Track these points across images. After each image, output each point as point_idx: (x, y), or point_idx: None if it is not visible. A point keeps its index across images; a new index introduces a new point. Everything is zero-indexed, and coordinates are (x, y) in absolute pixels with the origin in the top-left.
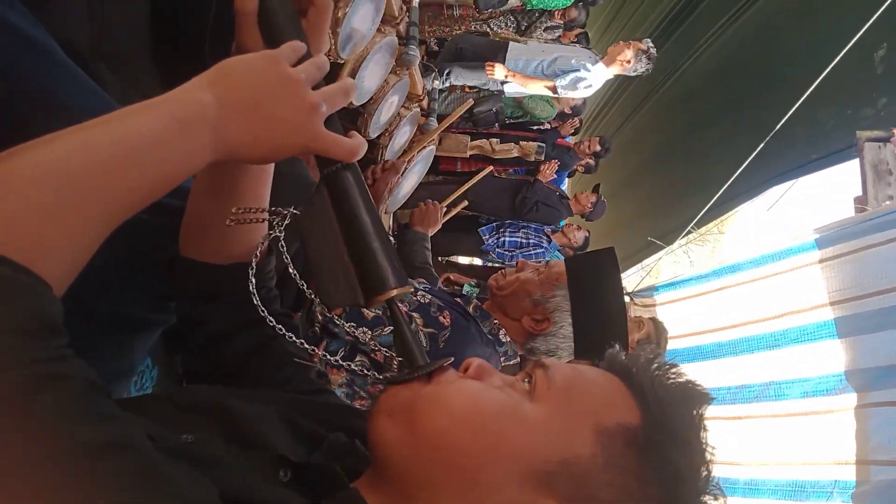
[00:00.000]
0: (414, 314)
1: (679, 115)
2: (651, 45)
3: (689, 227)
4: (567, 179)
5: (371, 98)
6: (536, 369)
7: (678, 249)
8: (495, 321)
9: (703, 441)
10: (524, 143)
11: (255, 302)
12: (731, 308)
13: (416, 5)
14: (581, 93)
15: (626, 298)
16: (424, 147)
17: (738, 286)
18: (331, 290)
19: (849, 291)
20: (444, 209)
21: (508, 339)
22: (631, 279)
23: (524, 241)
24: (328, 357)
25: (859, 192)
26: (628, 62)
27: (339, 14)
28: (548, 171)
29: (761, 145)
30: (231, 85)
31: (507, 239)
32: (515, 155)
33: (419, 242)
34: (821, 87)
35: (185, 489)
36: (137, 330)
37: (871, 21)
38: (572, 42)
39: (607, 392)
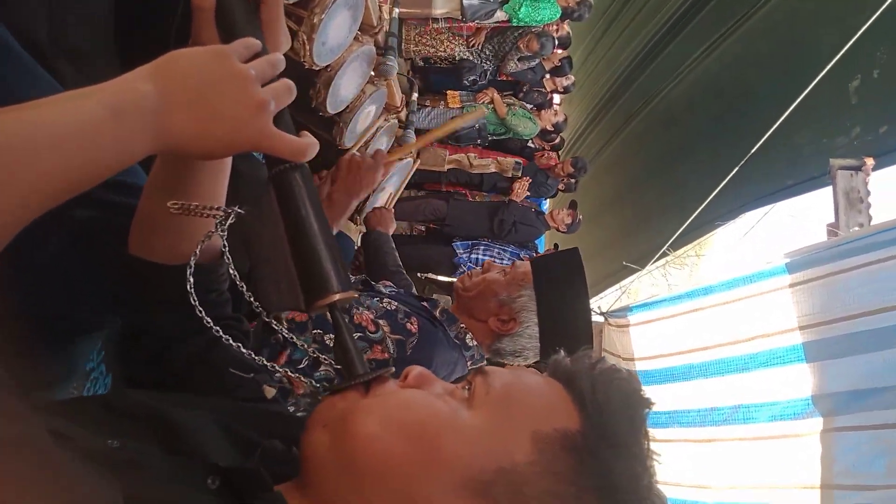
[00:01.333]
0: (381, 321)
1: (658, 139)
2: None
3: (663, 249)
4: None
5: (347, 107)
6: (476, 376)
7: (657, 272)
8: (462, 325)
9: (645, 447)
10: (501, 158)
11: (194, 302)
12: (702, 330)
13: (396, 16)
14: None
15: (601, 318)
16: (401, 159)
17: (711, 308)
18: (271, 293)
19: (818, 316)
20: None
21: (475, 342)
22: (607, 300)
23: (498, 260)
24: (274, 367)
25: (832, 219)
26: None
27: (315, 21)
28: (520, 191)
29: (735, 169)
30: (175, 77)
31: (481, 256)
32: (493, 170)
33: (385, 242)
34: (797, 115)
35: (78, 490)
36: (78, 332)
37: (841, 52)
38: (556, 66)
39: (547, 398)
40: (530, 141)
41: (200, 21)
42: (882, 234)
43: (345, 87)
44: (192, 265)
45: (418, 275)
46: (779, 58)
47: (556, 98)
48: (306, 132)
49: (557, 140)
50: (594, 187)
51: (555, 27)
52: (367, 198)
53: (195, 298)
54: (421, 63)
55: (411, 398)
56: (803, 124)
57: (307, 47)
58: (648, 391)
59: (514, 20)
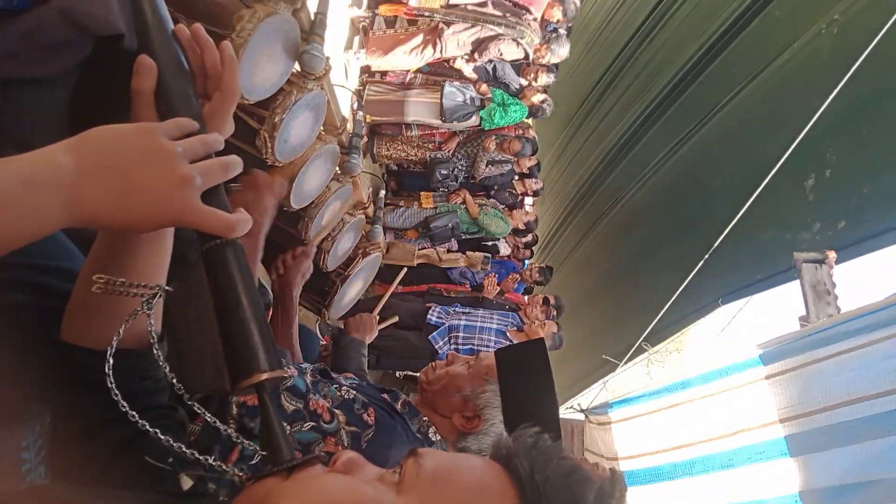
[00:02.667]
0: (337, 411)
1: (627, 238)
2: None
3: (637, 345)
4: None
5: (312, 202)
6: (408, 459)
7: (639, 367)
8: (424, 418)
9: None
10: (470, 252)
11: (110, 386)
12: (684, 425)
13: (360, 118)
14: None
15: (581, 416)
16: (369, 254)
17: (691, 403)
18: (195, 373)
19: (797, 408)
20: (378, 318)
21: (439, 437)
22: (588, 397)
23: (483, 325)
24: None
25: (804, 312)
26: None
27: (276, 120)
28: (490, 287)
29: (700, 264)
30: (95, 150)
31: (461, 346)
32: (462, 265)
33: (355, 349)
34: (760, 213)
35: None
36: (11, 421)
37: (786, 155)
38: (524, 174)
39: (482, 479)
40: (504, 240)
41: (139, 104)
42: (851, 323)
43: (309, 183)
44: (113, 347)
45: (396, 374)
46: (735, 160)
47: (529, 200)
48: (242, 209)
49: (530, 237)
50: (570, 285)
51: (522, 132)
52: (336, 290)
53: (112, 382)
54: (395, 167)
55: (333, 483)
56: (767, 222)
57: (269, 145)
58: (635, 492)
59: (487, 124)
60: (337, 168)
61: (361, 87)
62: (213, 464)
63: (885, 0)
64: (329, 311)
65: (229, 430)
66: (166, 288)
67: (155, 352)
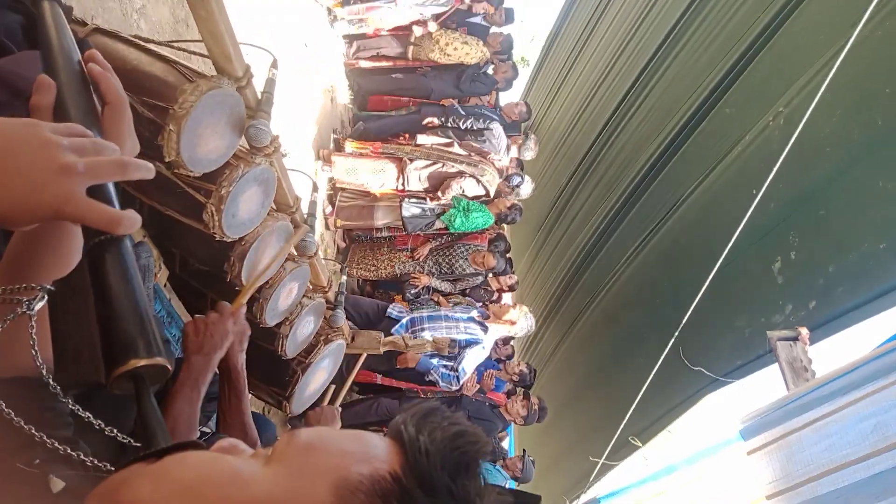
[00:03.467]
0: None
1: (607, 336)
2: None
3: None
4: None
5: (267, 282)
6: (284, 434)
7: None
8: None
9: (471, 494)
10: (437, 336)
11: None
12: None
13: (315, 199)
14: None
15: None
16: (332, 341)
17: (679, 488)
18: (70, 365)
19: (781, 482)
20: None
21: None
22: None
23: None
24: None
25: (785, 392)
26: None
27: (223, 192)
28: (470, 384)
29: (665, 353)
30: None
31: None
32: (429, 350)
33: None
34: (734, 299)
35: None
36: None
37: (732, 238)
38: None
39: (362, 445)
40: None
41: (37, 119)
42: (825, 388)
43: (262, 261)
44: None
45: None
46: (701, 248)
47: (507, 297)
48: (132, 210)
49: (510, 350)
50: (555, 387)
51: (493, 232)
52: (297, 380)
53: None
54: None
55: (194, 456)
56: (741, 307)
57: (216, 218)
58: None
59: (451, 228)
60: (291, 247)
61: (333, 193)
62: (83, 459)
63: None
64: (290, 404)
65: (100, 422)
66: (49, 287)
67: (33, 352)
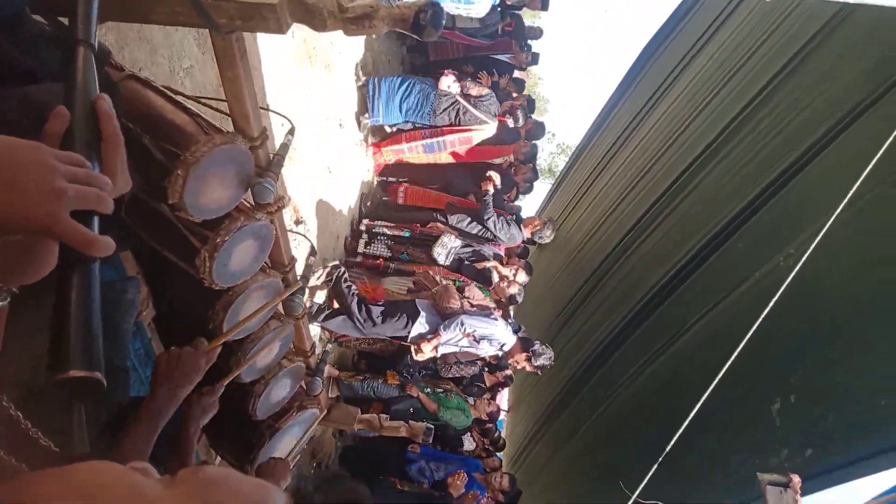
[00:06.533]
0: None
1: (601, 455)
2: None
3: None
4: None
5: (248, 336)
6: (194, 465)
7: None
8: None
9: None
10: (413, 422)
11: None
12: None
13: (311, 262)
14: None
15: None
16: (306, 409)
17: None
18: (14, 365)
19: None
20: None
21: None
22: None
23: None
24: None
25: None
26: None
27: (218, 241)
28: (458, 482)
29: (645, 481)
30: None
31: None
32: (403, 434)
33: None
34: (730, 436)
35: None
36: None
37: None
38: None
39: (260, 493)
40: (470, 434)
41: (47, 144)
42: None
43: (246, 314)
44: None
45: None
46: (702, 379)
47: (504, 393)
48: (107, 236)
49: (496, 434)
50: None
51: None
52: (262, 444)
53: None
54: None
55: (106, 466)
56: (737, 446)
57: (207, 264)
58: None
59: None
60: (277, 305)
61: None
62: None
63: (831, 238)
64: (252, 467)
65: (27, 423)
66: (14, 290)
67: None
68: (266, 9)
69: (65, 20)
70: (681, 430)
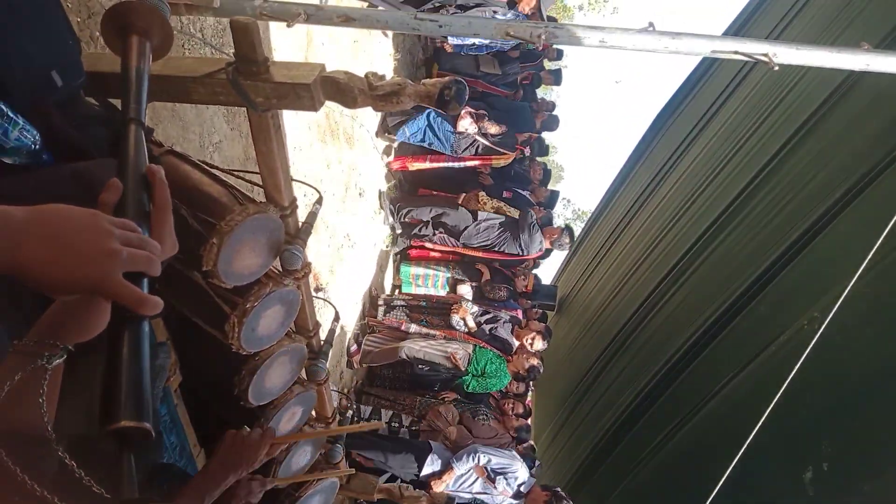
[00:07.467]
0: None
1: None
2: None
3: None
4: None
5: (272, 403)
6: None
7: None
8: None
9: None
10: (434, 492)
11: None
12: None
13: (336, 328)
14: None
15: None
16: (325, 478)
17: None
18: (66, 418)
19: None
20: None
21: None
22: None
23: None
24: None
25: None
26: None
27: (248, 306)
28: None
29: None
30: (45, 215)
31: None
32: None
33: None
34: None
35: None
36: None
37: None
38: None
39: None
40: None
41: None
42: None
43: (270, 379)
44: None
45: None
46: (730, 446)
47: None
48: (156, 296)
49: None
50: None
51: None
52: None
53: None
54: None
55: None
56: None
57: (237, 330)
58: None
59: (468, 389)
60: (301, 371)
61: (360, 332)
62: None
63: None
64: None
65: (81, 472)
66: (69, 348)
67: (40, 400)
68: (301, 88)
69: (111, 101)
70: (709, 501)
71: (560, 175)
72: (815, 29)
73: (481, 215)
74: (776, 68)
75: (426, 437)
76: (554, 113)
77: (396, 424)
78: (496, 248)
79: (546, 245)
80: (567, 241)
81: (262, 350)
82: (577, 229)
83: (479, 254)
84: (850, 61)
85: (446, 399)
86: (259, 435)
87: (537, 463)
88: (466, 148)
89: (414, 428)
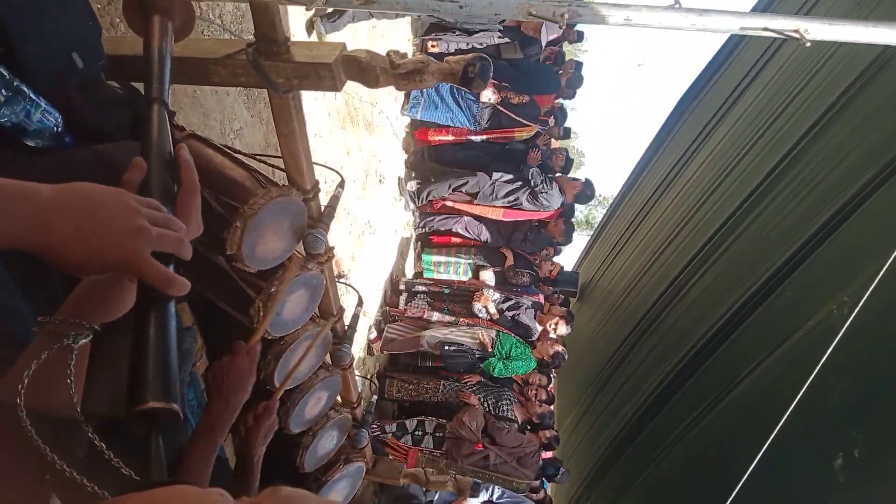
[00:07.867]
0: None
1: None
2: None
3: None
4: None
5: (297, 387)
6: (268, 489)
7: None
8: None
9: None
10: (459, 477)
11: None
12: None
13: (360, 313)
14: None
15: None
16: (352, 462)
17: None
18: (94, 397)
19: None
20: None
21: None
22: None
23: None
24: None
25: None
26: None
27: (273, 290)
28: None
29: None
30: (73, 193)
31: None
32: (450, 488)
33: None
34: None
35: None
36: None
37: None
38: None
39: None
40: None
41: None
42: None
43: (294, 363)
44: (23, 385)
45: None
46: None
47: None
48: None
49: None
50: None
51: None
52: None
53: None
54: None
55: (185, 489)
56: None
57: (262, 314)
58: None
59: (492, 372)
60: (326, 355)
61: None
62: (87, 484)
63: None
64: None
65: (110, 453)
66: (95, 328)
67: (68, 381)
68: (322, 68)
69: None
70: (737, 489)
71: (581, 161)
72: (847, 3)
73: (495, 175)
74: (808, 44)
75: (450, 446)
76: (580, 73)
77: (420, 433)
78: (517, 206)
79: (568, 199)
80: (590, 192)
81: (287, 334)
82: (599, 216)
83: (501, 215)
84: (888, 35)
85: (469, 382)
86: (237, 354)
87: (562, 470)
88: (489, 119)
89: (438, 434)
